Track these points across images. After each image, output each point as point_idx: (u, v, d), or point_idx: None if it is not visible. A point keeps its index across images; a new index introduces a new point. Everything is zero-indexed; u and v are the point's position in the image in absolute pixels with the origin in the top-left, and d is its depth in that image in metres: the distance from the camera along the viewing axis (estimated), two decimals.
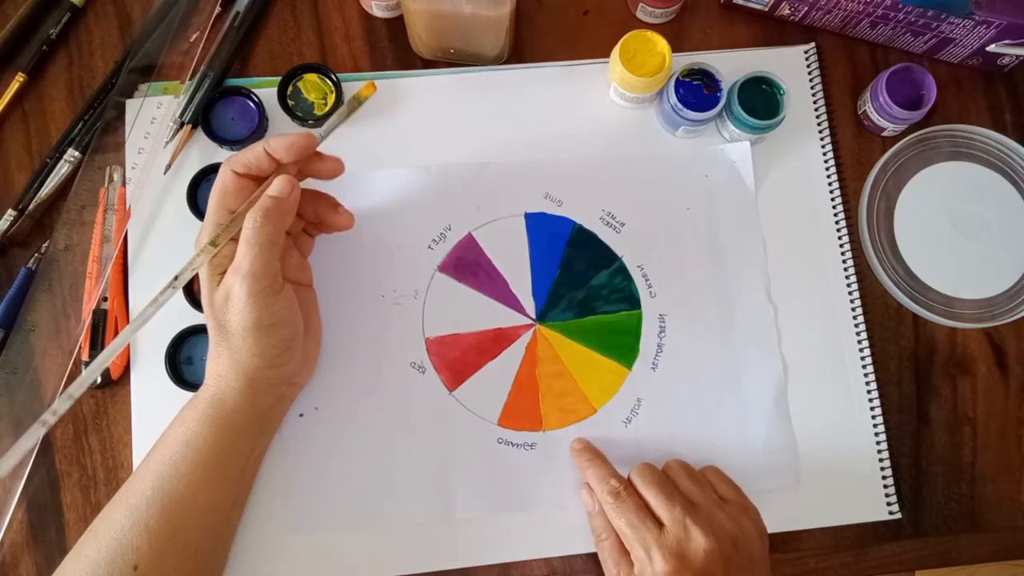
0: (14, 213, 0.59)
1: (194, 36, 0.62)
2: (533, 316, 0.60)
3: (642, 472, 0.53)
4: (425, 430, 0.57)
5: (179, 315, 0.58)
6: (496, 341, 0.59)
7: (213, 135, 0.60)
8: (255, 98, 0.61)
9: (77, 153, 0.60)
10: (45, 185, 0.59)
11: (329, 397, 0.58)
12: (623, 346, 0.60)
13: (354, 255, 0.60)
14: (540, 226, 0.61)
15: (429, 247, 0.60)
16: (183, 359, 0.58)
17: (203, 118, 0.60)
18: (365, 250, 0.60)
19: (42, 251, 0.59)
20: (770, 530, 0.57)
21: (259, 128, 0.60)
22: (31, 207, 0.59)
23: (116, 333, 0.58)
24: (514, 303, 0.60)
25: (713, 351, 0.59)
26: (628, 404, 0.59)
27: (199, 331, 0.58)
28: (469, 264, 0.60)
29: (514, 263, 0.60)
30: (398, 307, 0.59)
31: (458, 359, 0.59)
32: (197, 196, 0.59)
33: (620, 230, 0.61)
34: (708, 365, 0.59)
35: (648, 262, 0.61)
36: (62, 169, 0.60)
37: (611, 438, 0.58)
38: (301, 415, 0.57)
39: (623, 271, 0.61)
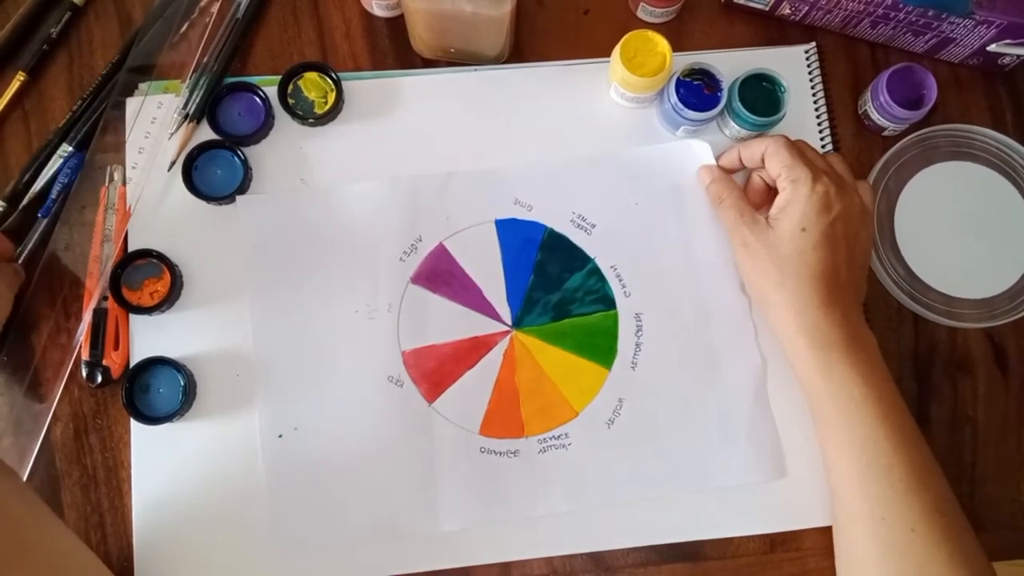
0: (3, 204, 0.59)
1: (194, 35, 0.62)
2: (509, 323, 0.60)
3: (780, 141, 0.56)
4: (406, 444, 0.57)
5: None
6: (473, 350, 0.59)
7: (220, 130, 0.60)
8: (262, 94, 0.61)
9: (71, 149, 0.60)
10: (38, 179, 0.60)
11: (307, 416, 0.57)
12: (601, 347, 0.59)
13: (325, 270, 0.59)
14: (511, 232, 0.61)
15: (401, 259, 0.60)
16: (140, 387, 0.57)
17: (209, 113, 0.60)
18: (336, 265, 0.59)
19: (27, 248, 0.59)
20: (770, 530, 0.58)
21: (265, 124, 0.60)
22: (24, 201, 0.59)
23: (116, 333, 0.58)
24: (489, 311, 0.60)
25: (691, 347, 0.59)
26: (610, 405, 0.58)
27: (158, 362, 0.57)
28: (442, 274, 0.60)
29: (487, 270, 0.60)
30: (372, 321, 0.59)
31: (436, 370, 0.58)
32: (193, 176, 0.59)
33: (591, 232, 0.61)
34: (687, 361, 0.59)
35: (621, 262, 0.61)
36: (56, 164, 0.60)
37: (595, 440, 0.58)
38: (280, 436, 0.57)
39: (597, 272, 0.60)
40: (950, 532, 0.50)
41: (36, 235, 0.59)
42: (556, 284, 0.60)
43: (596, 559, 0.57)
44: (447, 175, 0.61)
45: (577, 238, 0.61)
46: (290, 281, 0.59)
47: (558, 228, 0.61)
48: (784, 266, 0.54)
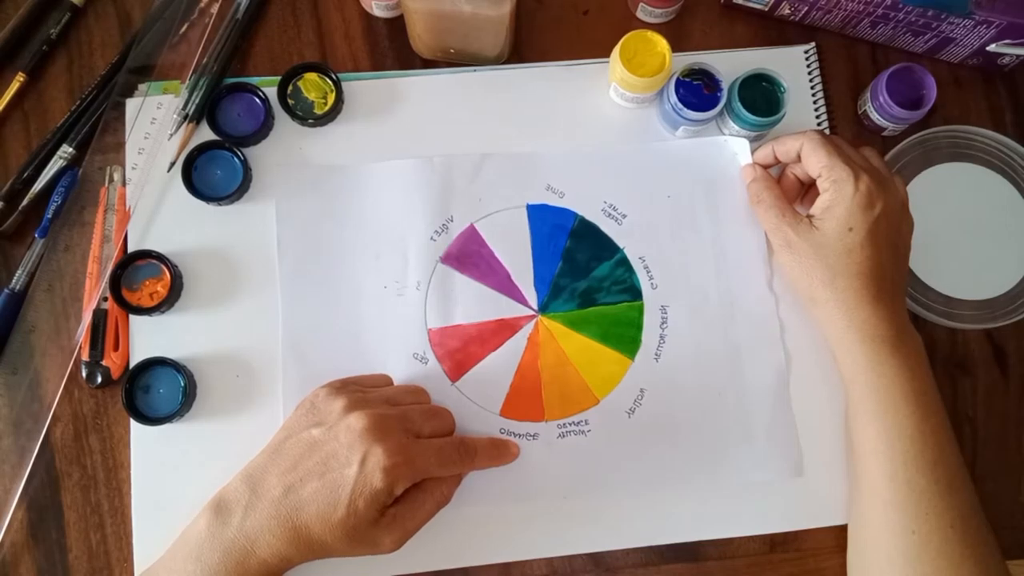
0: (1, 204, 0.59)
1: (194, 36, 0.62)
2: (535, 307, 0.60)
3: (817, 139, 0.56)
4: None
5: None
6: (498, 332, 0.59)
7: (219, 131, 0.60)
8: (261, 94, 0.61)
9: (71, 149, 0.60)
10: (38, 180, 0.59)
11: None
12: (625, 337, 0.60)
13: (357, 246, 0.60)
14: (542, 218, 0.61)
15: (432, 238, 0.60)
16: (140, 388, 0.57)
17: (209, 114, 0.60)
18: (368, 240, 0.60)
19: (26, 268, 0.59)
20: (770, 530, 0.58)
21: (265, 125, 0.60)
22: (24, 202, 0.59)
23: (116, 334, 0.58)
24: (516, 294, 0.60)
25: (715, 342, 0.60)
26: (631, 395, 0.59)
27: (158, 363, 0.57)
28: (471, 255, 0.60)
29: (516, 254, 0.60)
30: (400, 298, 0.59)
31: (460, 350, 0.59)
32: (193, 176, 0.59)
33: (622, 222, 0.61)
34: (710, 356, 0.59)
35: (649, 254, 0.61)
36: (56, 165, 0.60)
37: (614, 428, 0.58)
38: None
39: (625, 263, 0.61)
40: (984, 531, 0.51)
41: (33, 257, 0.59)
42: (584, 272, 0.60)
43: (596, 559, 0.57)
44: (481, 157, 0.61)
45: (607, 227, 0.61)
46: (321, 253, 0.59)
47: (589, 216, 0.61)
48: (834, 265, 0.54)
